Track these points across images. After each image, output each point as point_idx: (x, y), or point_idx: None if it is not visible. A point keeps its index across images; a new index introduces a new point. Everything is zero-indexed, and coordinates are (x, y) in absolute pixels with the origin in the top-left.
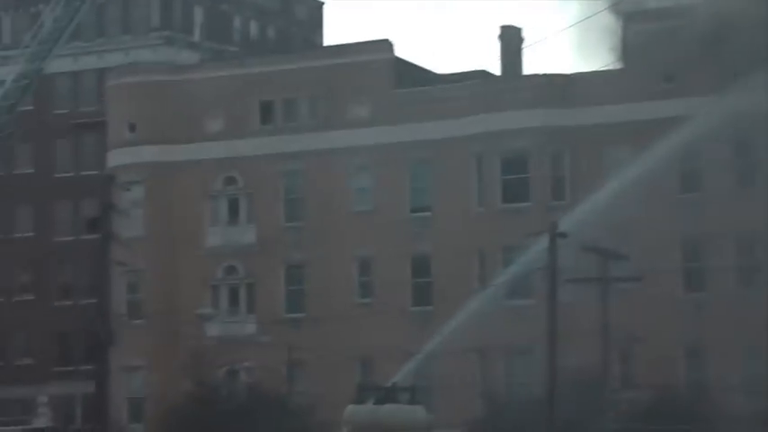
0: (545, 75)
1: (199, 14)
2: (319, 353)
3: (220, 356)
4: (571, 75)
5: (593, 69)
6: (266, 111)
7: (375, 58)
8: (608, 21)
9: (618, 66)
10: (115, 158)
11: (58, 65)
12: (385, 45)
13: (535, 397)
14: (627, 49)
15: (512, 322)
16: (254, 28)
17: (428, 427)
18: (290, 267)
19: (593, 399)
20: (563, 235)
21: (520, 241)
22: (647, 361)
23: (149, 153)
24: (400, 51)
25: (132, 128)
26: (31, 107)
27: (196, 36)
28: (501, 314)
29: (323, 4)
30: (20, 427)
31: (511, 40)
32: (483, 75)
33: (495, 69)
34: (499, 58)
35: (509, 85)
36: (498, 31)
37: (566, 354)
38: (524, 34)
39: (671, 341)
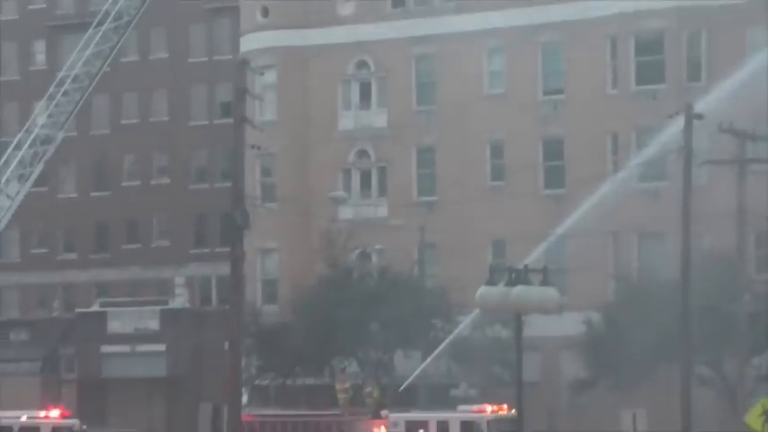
0: None
1: None
2: (451, 235)
3: (352, 239)
4: None
5: None
6: None
7: None
8: None
9: None
10: (248, 43)
11: None
12: None
13: (669, 280)
14: None
15: (645, 204)
16: None
17: (560, 309)
18: (422, 151)
19: (729, 281)
20: (699, 116)
21: (654, 123)
22: None
23: (282, 37)
24: None
25: (265, 12)
26: None
27: None
28: (634, 196)
29: None
30: (158, 308)
31: None
32: None
33: None
34: None
35: None
36: None
37: (700, 236)
38: None
39: None
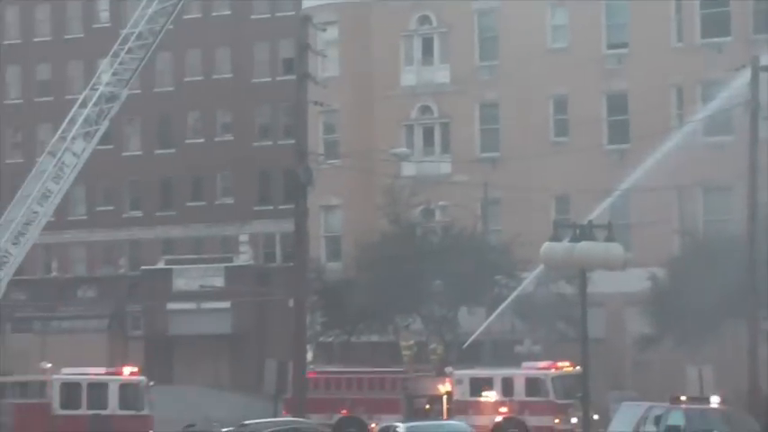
0: None
1: None
2: (514, 191)
3: (415, 195)
4: None
5: None
6: None
7: None
8: None
9: None
10: None
11: None
12: None
13: (735, 234)
14: None
15: (711, 158)
16: None
17: (624, 265)
18: (485, 106)
19: None
20: (766, 69)
21: (720, 76)
22: None
23: None
24: None
25: None
26: None
27: None
28: (700, 150)
29: None
30: (223, 265)
31: None
32: None
33: None
34: None
35: None
36: None
37: (766, 189)
38: None
39: None
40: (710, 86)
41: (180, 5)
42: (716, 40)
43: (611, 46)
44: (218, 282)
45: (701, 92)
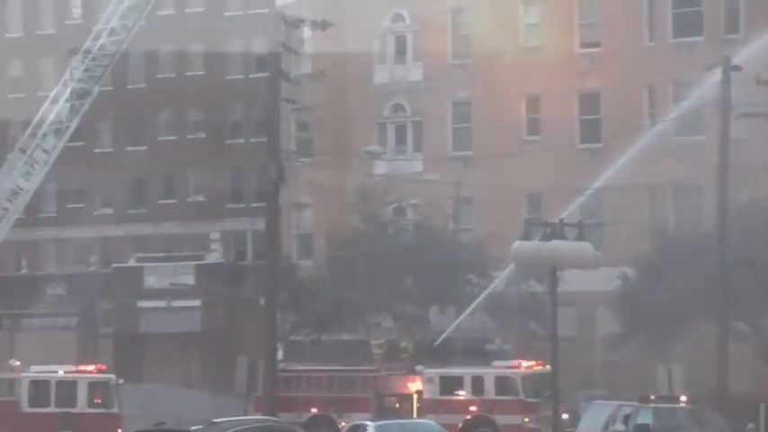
0: None
1: None
2: (486, 190)
3: (387, 194)
4: None
5: None
6: None
7: None
8: None
9: None
10: None
11: None
12: None
13: (705, 234)
14: None
15: (682, 158)
16: None
17: (595, 264)
18: (457, 104)
19: (765, 233)
20: (737, 68)
21: (692, 76)
22: None
23: None
24: None
25: None
26: None
27: None
28: (671, 150)
29: None
30: (194, 263)
31: None
32: None
33: None
34: None
35: None
36: None
37: (737, 189)
38: None
39: None
40: (682, 86)
41: (153, 2)
42: (688, 39)
43: (583, 45)
44: (189, 280)
45: (672, 91)
